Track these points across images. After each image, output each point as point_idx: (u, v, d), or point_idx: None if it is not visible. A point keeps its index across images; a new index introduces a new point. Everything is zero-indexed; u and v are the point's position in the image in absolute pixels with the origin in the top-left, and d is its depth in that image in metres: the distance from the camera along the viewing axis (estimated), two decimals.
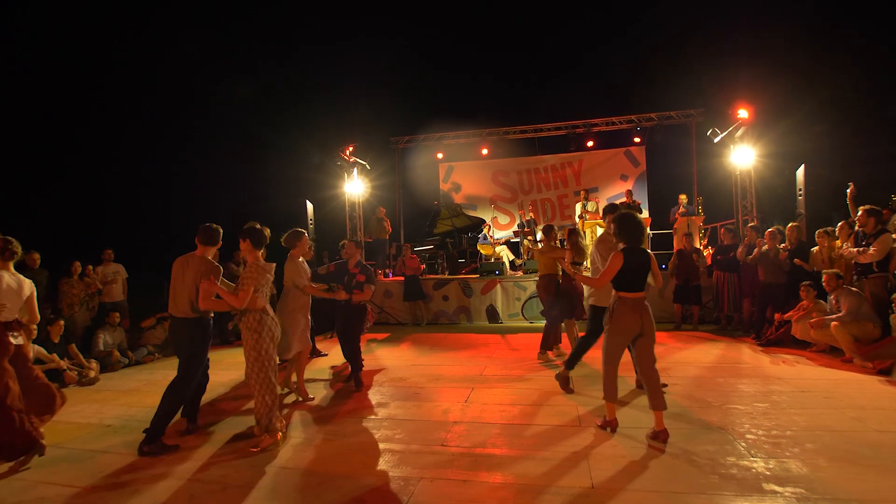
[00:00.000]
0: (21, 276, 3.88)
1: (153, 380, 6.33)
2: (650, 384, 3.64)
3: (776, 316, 6.93)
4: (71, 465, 3.62)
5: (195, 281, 3.86)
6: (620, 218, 3.83)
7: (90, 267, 8.00)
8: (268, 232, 4.10)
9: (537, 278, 6.56)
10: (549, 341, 6.44)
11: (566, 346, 6.52)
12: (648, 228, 11.41)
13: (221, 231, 4.13)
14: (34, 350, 5.93)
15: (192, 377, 3.96)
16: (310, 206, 11.35)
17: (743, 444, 3.56)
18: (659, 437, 3.56)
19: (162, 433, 3.81)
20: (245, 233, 3.98)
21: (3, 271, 3.78)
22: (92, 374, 6.29)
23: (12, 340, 3.69)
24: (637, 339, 3.71)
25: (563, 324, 6.41)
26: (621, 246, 3.78)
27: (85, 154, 14.47)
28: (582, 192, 12.38)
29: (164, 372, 6.80)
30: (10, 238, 3.85)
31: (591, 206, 11.80)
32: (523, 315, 9.54)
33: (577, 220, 11.81)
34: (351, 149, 11.78)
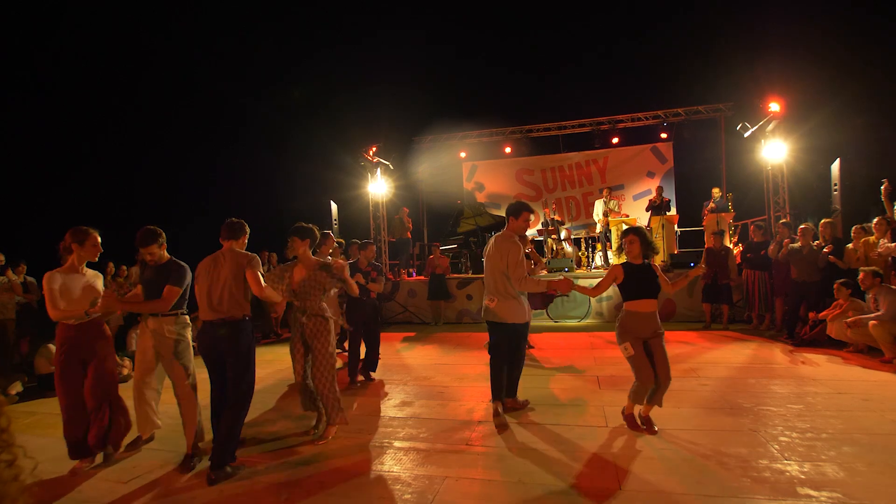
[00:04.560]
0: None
1: None
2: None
3: (811, 315, 6.73)
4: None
5: (234, 274, 3.56)
6: None
7: (123, 267, 8.24)
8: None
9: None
10: None
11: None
12: (676, 226, 11.21)
13: (245, 224, 3.88)
14: None
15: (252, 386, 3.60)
16: (334, 206, 11.48)
17: (776, 446, 3.46)
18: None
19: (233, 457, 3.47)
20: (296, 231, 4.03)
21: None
22: (125, 371, 6.48)
23: None
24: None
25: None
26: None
27: (119, 157, 14.89)
28: (605, 191, 12.18)
29: None
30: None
31: (612, 205, 11.63)
32: (548, 314, 9.46)
33: (598, 219, 11.65)
34: (374, 149, 11.86)
